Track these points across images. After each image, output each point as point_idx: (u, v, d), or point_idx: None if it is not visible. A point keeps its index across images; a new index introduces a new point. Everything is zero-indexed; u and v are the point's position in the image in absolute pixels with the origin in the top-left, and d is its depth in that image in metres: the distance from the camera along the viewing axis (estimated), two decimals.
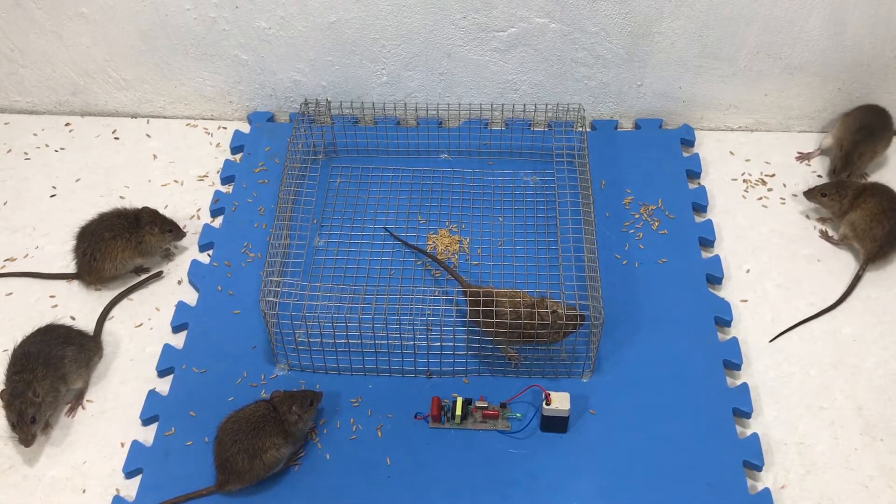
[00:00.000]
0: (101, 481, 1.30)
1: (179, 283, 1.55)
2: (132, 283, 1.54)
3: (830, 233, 1.60)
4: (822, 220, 1.63)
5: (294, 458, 1.29)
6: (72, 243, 1.54)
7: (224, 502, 1.25)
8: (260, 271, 1.49)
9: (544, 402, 1.28)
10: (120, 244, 1.51)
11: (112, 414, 1.38)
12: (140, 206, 1.56)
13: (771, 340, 1.44)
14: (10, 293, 1.54)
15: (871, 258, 1.52)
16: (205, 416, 1.33)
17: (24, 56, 1.78)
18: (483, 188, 1.67)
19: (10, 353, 1.36)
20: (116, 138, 1.83)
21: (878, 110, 1.70)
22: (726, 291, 1.52)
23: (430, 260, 1.53)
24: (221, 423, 1.27)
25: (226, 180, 1.72)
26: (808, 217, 1.64)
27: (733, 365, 1.40)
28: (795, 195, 1.67)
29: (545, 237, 1.58)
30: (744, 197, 1.68)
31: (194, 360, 1.42)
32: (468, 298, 1.36)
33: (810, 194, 1.61)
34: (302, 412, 1.27)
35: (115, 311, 1.51)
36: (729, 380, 1.38)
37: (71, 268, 1.55)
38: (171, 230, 1.56)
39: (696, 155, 1.74)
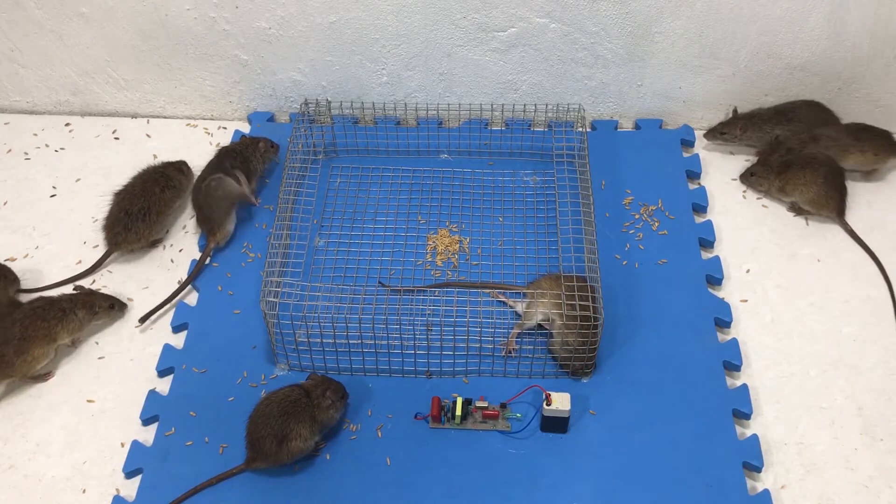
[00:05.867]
0: (101, 481, 1.30)
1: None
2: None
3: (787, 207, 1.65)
4: (792, 205, 1.64)
5: (317, 447, 1.30)
6: (75, 243, 1.54)
7: (225, 502, 1.25)
8: (260, 271, 1.49)
9: (545, 403, 1.28)
10: (168, 195, 1.60)
11: (112, 414, 1.38)
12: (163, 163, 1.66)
13: None
14: None
15: (842, 213, 1.60)
16: (205, 416, 1.34)
17: (24, 56, 1.78)
18: (483, 188, 1.67)
19: None
20: (116, 138, 1.83)
21: (813, 104, 1.71)
22: (726, 292, 1.52)
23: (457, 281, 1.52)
24: (257, 403, 1.28)
25: None
26: (807, 222, 1.63)
27: (733, 366, 1.40)
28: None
29: (545, 237, 1.58)
30: (744, 197, 1.68)
31: (194, 360, 1.42)
32: (535, 299, 1.37)
33: (743, 177, 1.67)
34: (336, 398, 1.28)
35: None
36: (729, 380, 1.38)
37: (71, 269, 1.55)
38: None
39: (696, 155, 1.74)
